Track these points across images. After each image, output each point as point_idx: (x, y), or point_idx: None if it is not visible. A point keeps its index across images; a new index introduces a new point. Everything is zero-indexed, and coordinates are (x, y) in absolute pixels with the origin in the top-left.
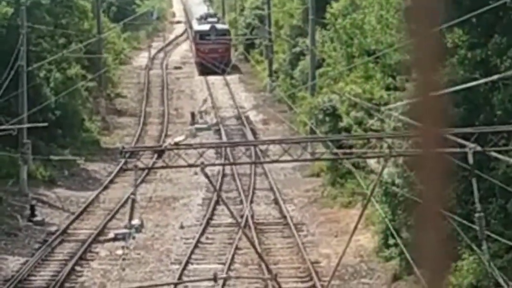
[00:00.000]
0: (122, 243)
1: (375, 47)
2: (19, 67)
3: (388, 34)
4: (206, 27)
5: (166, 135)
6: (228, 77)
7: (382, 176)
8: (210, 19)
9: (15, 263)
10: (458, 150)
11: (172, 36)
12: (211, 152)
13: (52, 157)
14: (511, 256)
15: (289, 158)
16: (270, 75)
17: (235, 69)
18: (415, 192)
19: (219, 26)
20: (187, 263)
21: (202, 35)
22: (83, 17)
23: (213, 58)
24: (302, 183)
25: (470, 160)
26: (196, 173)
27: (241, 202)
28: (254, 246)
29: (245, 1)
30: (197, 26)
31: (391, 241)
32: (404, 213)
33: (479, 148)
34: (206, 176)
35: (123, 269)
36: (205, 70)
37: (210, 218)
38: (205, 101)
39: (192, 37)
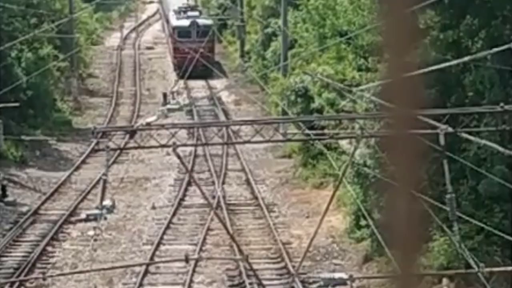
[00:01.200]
0: (93, 224)
1: (347, 28)
2: None
3: (360, 15)
4: (185, 22)
5: (138, 116)
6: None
7: (353, 157)
8: (190, 13)
9: None
10: (429, 131)
11: (144, 16)
12: (183, 133)
13: (23, 137)
14: (482, 237)
15: (261, 139)
16: (242, 56)
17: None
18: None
19: (202, 21)
20: (158, 243)
21: (181, 32)
22: None
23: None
24: (273, 164)
25: (442, 141)
26: (168, 154)
27: (213, 183)
28: (225, 227)
29: None
30: (175, 21)
31: (362, 222)
32: (376, 194)
33: (450, 129)
34: (178, 156)
35: (95, 250)
36: (184, 73)
37: (182, 199)
38: (177, 81)
39: (169, 33)
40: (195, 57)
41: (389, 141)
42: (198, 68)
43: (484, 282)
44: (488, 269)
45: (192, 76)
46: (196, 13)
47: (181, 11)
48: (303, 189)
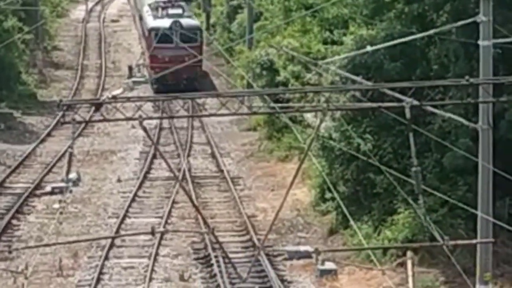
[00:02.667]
0: (59, 197)
1: (313, 1)
2: None
3: None
4: (165, 23)
5: (103, 89)
6: None
7: (319, 130)
8: (171, 11)
9: None
10: (395, 104)
11: None
12: (148, 106)
13: None
14: (446, 210)
15: (226, 111)
16: (207, 29)
17: None
18: (351, 147)
19: (187, 22)
20: (124, 216)
21: (160, 36)
22: None
23: (176, 72)
24: (239, 137)
25: (407, 114)
26: (133, 127)
27: (178, 155)
28: (191, 200)
29: None
30: (151, 21)
31: (327, 195)
32: (341, 167)
33: (416, 103)
34: (144, 129)
35: (60, 223)
36: (164, 88)
37: (148, 172)
38: (142, 54)
39: (143, 34)
40: (177, 68)
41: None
42: (181, 82)
43: (448, 254)
44: (452, 242)
45: (172, 90)
46: (178, 11)
47: (159, 8)
48: (268, 162)
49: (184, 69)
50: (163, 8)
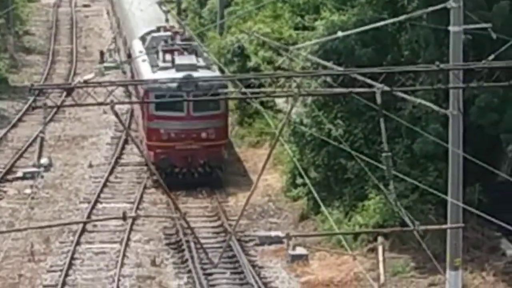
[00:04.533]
0: (30, 182)
1: None
2: None
3: None
4: (171, 75)
5: (75, 74)
6: None
7: (290, 116)
8: (181, 59)
9: None
10: (366, 90)
11: None
12: (120, 91)
13: None
14: (417, 195)
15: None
16: (178, 14)
17: None
18: (323, 132)
19: (203, 73)
20: (96, 202)
21: (164, 97)
22: None
23: (188, 155)
24: None
25: (378, 100)
26: (105, 112)
27: None
28: (162, 185)
29: None
30: (149, 74)
31: (299, 181)
32: (312, 152)
33: (386, 88)
34: (115, 114)
35: (32, 208)
36: (170, 180)
37: (119, 157)
38: (114, 39)
39: (136, 91)
40: (190, 150)
41: None
42: (197, 171)
43: (419, 240)
44: (423, 227)
45: (181, 184)
46: (191, 59)
47: (160, 51)
48: (239, 148)
49: (201, 151)
50: (165, 52)
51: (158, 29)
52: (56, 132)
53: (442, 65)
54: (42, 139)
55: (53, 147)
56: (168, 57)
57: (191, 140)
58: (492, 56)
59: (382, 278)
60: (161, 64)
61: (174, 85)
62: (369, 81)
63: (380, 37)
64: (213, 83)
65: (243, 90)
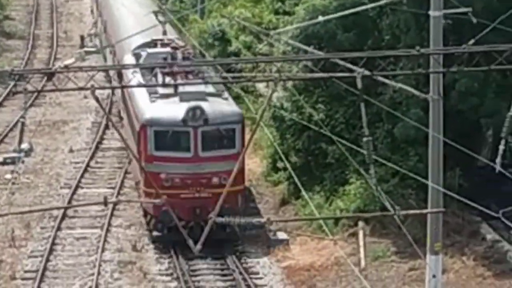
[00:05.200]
0: (11, 167)
1: None
2: None
3: None
4: (176, 111)
5: (55, 58)
6: None
7: (271, 100)
8: (187, 86)
9: None
10: (346, 74)
11: None
12: (100, 76)
13: None
14: (397, 180)
15: (178, 81)
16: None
17: None
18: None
19: (215, 109)
20: (76, 187)
21: (165, 136)
22: None
23: (196, 205)
24: None
25: (359, 84)
26: (85, 97)
27: None
28: (144, 171)
29: None
30: (147, 105)
31: (279, 165)
32: (293, 137)
33: (367, 73)
34: (96, 99)
35: (13, 193)
36: (173, 235)
37: (100, 142)
38: (94, 24)
39: (130, 125)
40: (200, 201)
41: None
42: (206, 224)
43: (399, 224)
44: (403, 212)
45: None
46: (199, 87)
47: (160, 74)
48: None
49: (212, 200)
50: (165, 74)
51: (154, 43)
52: (36, 117)
53: (422, 50)
54: (23, 124)
55: (33, 132)
56: (169, 80)
57: (199, 187)
58: (472, 41)
59: (362, 262)
60: (161, 90)
61: (178, 118)
62: (349, 65)
63: (361, 22)
64: (226, 116)
65: (224, 74)
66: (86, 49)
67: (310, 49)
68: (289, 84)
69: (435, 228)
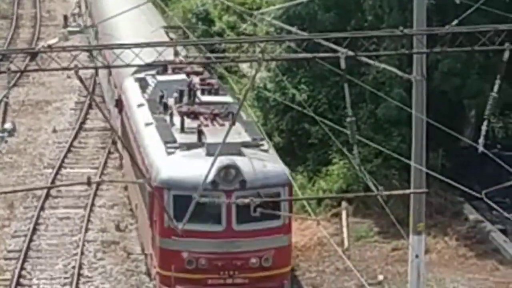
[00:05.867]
0: None
1: None
2: None
3: None
4: (205, 168)
5: (38, 38)
6: None
7: (254, 81)
8: (216, 134)
9: None
10: (330, 55)
11: None
12: (84, 56)
13: None
14: (380, 160)
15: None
16: None
17: None
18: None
19: (255, 169)
20: (60, 167)
21: (189, 200)
22: None
23: None
24: None
25: (342, 65)
26: (69, 77)
27: None
28: (128, 151)
29: None
30: (162, 152)
31: None
32: (276, 117)
33: (350, 53)
34: (80, 79)
35: None
36: None
37: (83, 122)
38: (78, 3)
39: (135, 176)
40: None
41: None
42: None
43: (382, 205)
44: (386, 192)
45: None
46: (234, 137)
47: (175, 112)
48: None
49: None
50: (185, 115)
51: (163, 67)
52: (19, 97)
53: (405, 30)
54: (6, 104)
55: (16, 112)
56: (190, 123)
57: (233, 270)
58: (455, 21)
59: (345, 242)
60: (180, 138)
61: (211, 178)
62: (333, 46)
63: (344, 2)
64: (269, 177)
65: (207, 55)
66: (69, 29)
67: (293, 29)
68: (273, 64)
69: (418, 209)
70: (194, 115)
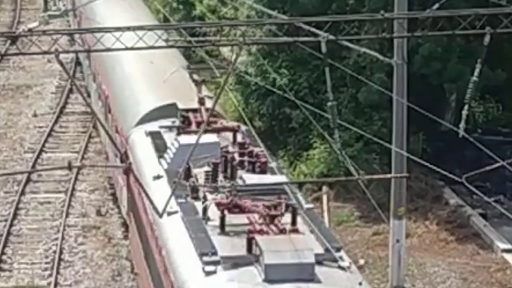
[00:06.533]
0: None
1: None
2: None
3: None
4: None
5: (18, 22)
6: None
7: (235, 65)
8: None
9: None
10: (311, 39)
11: None
12: (65, 39)
13: None
14: (361, 145)
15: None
16: None
17: None
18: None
19: None
20: (40, 151)
21: None
22: None
23: None
24: None
25: (323, 49)
26: (49, 61)
27: None
28: (109, 135)
29: None
30: (198, 271)
31: None
32: (257, 102)
33: (331, 37)
34: (60, 63)
35: None
36: None
37: (64, 106)
38: None
39: None
40: None
41: None
42: None
43: (363, 189)
44: (367, 177)
45: None
46: (300, 255)
47: (209, 203)
48: None
49: None
50: (225, 208)
51: (183, 118)
52: (0, 81)
53: (386, 14)
54: None
55: None
56: (232, 219)
57: None
58: (436, 5)
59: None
60: (221, 245)
61: None
62: (314, 29)
63: None
64: None
65: (188, 38)
66: (49, 12)
67: (274, 13)
68: (254, 48)
69: (399, 193)
70: (240, 209)
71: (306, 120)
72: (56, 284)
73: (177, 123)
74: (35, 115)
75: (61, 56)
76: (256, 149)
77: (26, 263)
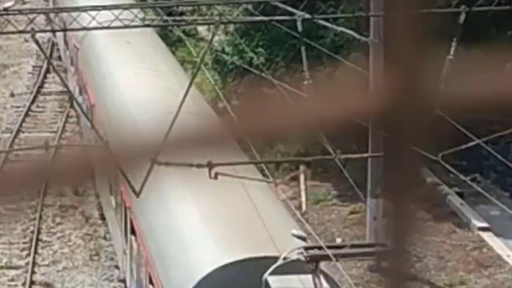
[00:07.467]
0: None
1: None
2: None
3: None
4: None
5: None
6: None
7: (212, 44)
8: None
9: None
10: (287, 18)
11: None
12: (41, 19)
13: None
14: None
15: (120, 24)
16: None
17: None
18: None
19: None
20: (18, 131)
21: None
22: None
23: None
24: None
25: (299, 28)
26: (26, 40)
27: None
28: (85, 115)
29: None
30: None
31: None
32: (234, 81)
33: (307, 16)
34: (37, 43)
35: None
36: None
37: (41, 86)
38: None
39: None
40: None
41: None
42: None
43: (341, 168)
44: (344, 156)
45: None
46: None
47: None
48: None
49: None
50: None
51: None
52: None
53: None
54: None
55: None
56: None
57: None
58: None
59: (304, 206)
60: None
61: None
62: (290, 8)
63: None
64: None
65: (165, 18)
66: None
67: None
68: (230, 27)
69: (376, 172)
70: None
71: (284, 99)
72: (34, 263)
73: None
74: (12, 95)
75: (38, 35)
76: None
77: (3, 243)
